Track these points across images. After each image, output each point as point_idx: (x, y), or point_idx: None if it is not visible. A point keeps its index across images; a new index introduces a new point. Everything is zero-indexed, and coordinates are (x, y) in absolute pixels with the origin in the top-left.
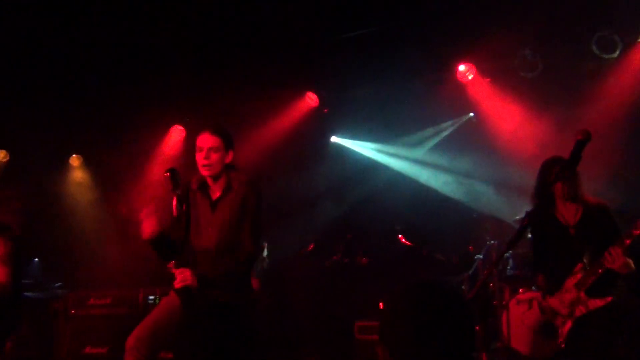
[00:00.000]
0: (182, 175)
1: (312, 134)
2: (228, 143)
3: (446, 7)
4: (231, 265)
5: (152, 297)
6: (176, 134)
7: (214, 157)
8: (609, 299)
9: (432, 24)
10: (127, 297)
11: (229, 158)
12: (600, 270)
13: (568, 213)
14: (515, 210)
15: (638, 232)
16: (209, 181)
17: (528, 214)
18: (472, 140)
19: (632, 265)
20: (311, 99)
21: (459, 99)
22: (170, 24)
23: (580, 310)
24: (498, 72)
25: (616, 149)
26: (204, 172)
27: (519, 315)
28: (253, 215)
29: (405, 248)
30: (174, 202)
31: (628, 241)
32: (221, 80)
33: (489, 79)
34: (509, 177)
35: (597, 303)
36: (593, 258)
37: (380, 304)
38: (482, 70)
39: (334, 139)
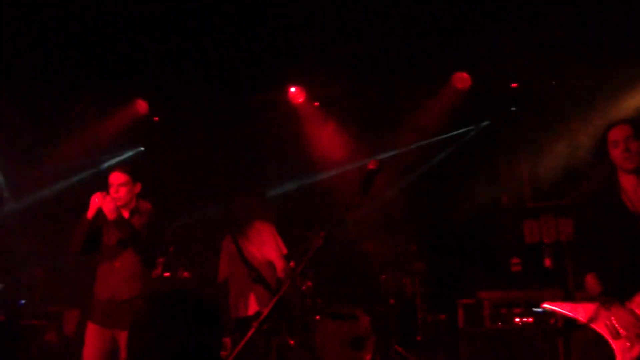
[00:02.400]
0: None
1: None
2: (135, 177)
3: (281, 31)
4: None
5: None
6: None
7: (123, 190)
8: None
9: (267, 44)
10: None
11: (137, 189)
12: None
13: (633, 193)
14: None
15: None
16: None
17: (326, 234)
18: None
19: None
20: (140, 106)
21: (289, 119)
22: None
23: None
24: (327, 97)
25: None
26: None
27: (332, 330)
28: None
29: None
30: None
31: None
32: (47, 83)
33: (317, 103)
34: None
35: None
36: None
37: None
38: (312, 94)
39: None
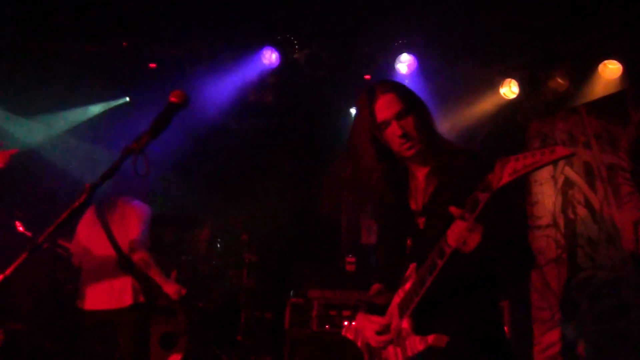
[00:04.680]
0: None
1: None
2: None
3: None
4: None
5: None
6: None
7: None
8: (431, 339)
9: None
10: None
11: None
12: (433, 273)
13: (418, 187)
14: None
15: (493, 187)
16: None
17: (91, 187)
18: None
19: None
20: None
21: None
22: None
23: (396, 356)
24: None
25: None
26: None
27: None
28: None
29: (22, 237)
30: None
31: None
32: None
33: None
34: None
35: (416, 346)
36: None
37: None
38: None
39: None
